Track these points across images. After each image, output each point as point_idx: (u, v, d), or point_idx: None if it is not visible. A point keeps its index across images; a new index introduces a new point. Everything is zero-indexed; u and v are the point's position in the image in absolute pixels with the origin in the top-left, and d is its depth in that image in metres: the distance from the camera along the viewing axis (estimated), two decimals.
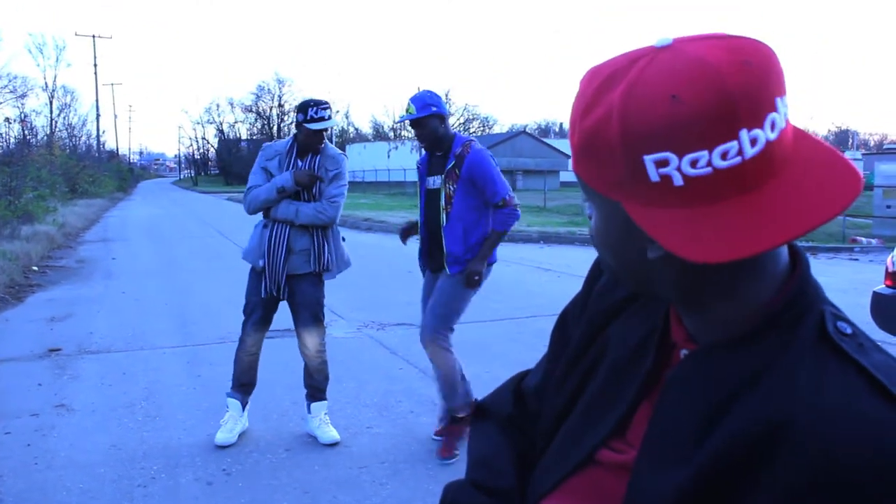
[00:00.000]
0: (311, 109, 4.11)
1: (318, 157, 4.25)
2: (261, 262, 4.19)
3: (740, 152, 0.64)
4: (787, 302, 0.72)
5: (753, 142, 0.64)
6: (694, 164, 0.64)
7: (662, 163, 0.65)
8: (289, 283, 4.23)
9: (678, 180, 0.65)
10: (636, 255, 0.73)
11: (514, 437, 1.02)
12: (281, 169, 4.21)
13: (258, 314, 4.29)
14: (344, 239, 4.46)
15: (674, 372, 0.78)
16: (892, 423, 0.63)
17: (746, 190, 0.66)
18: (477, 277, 4.04)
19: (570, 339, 0.97)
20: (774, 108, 0.65)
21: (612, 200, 0.71)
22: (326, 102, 4.22)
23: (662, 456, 0.73)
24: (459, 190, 4.04)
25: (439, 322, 4.10)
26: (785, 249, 0.75)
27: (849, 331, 0.71)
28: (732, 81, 0.64)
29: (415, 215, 4.60)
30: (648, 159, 0.66)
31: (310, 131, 4.14)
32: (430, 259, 4.22)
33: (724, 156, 0.64)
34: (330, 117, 4.18)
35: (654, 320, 0.85)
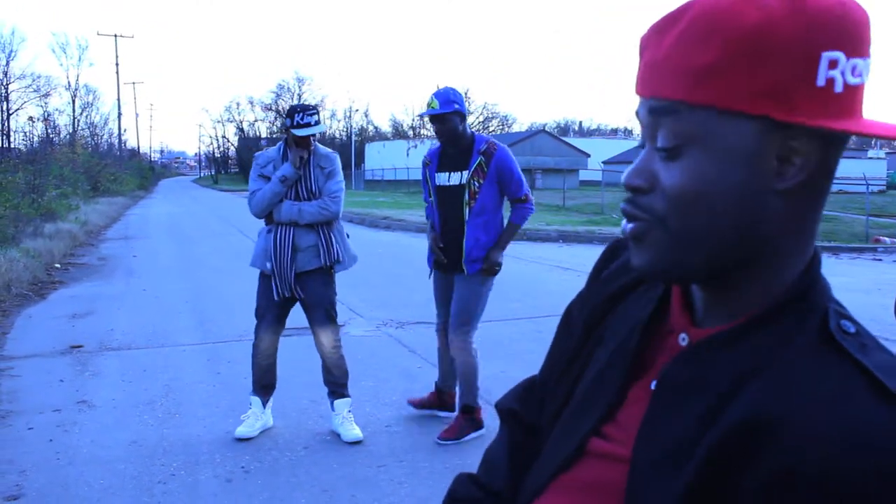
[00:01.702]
0: (297, 115, 4.17)
1: (311, 157, 4.30)
2: (268, 266, 4.22)
3: (863, 74, 0.66)
4: (796, 294, 0.71)
5: (865, 70, 0.66)
6: (854, 70, 0.64)
7: (833, 63, 0.64)
8: (299, 281, 4.25)
9: (839, 86, 0.64)
10: (753, 193, 0.68)
11: (517, 433, 1.03)
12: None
13: (270, 316, 4.32)
14: (348, 235, 4.51)
15: (668, 368, 0.76)
16: (888, 425, 0.61)
17: (859, 115, 0.67)
18: (498, 267, 4.18)
19: (573, 331, 0.97)
20: None
21: (745, 122, 0.66)
22: (314, 107, 4.29)
23: (659, 460, 0.72)
24: (485, 186, 4.13)
25: (465, 326, 4.22)
26: (812, 247, 0.73)
27: (852, 329, 0.69)
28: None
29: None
30: (826, 56, 0.64)
31: (297, 137, 4.20)
32: (446, 255, 4.26)
33: (860, 72, 0.65)
34: (317, 122, 4.22)
35: (652, 305, 0.84)
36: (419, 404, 4.67)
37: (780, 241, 0.70)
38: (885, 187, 34.58)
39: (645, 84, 0.72)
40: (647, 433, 0.74)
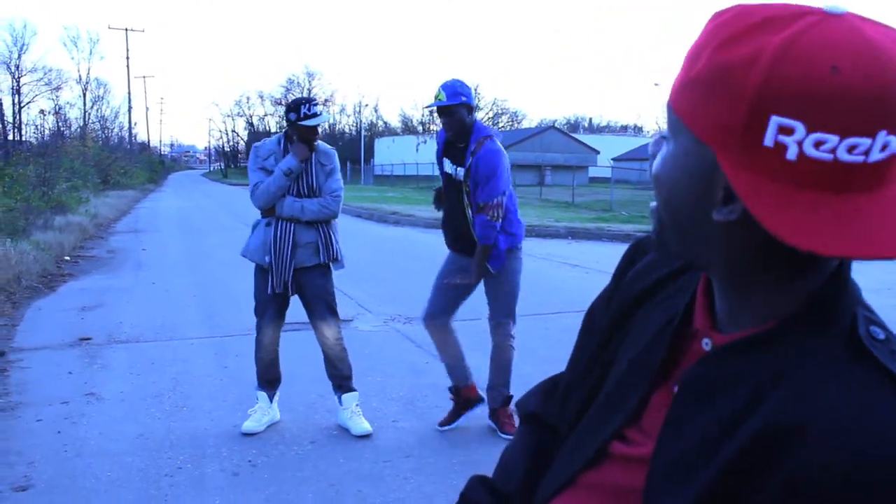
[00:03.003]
0: (303, 107, 4.15)
1: (313, 153, 4.28)
2: (267, 259, 4.21)
3: (867, 152, 0.60)
4: (822, 298, 0.69)
5: (884, 147, 0.60)
6: (818, 145, 0.60)
7: (787, 130, 0.60)
8: (297, 276, 4.25)
9: (792, 154, 0.61)
10: (701, 211, 0.69)
11: (536, 435, 1.02)
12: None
13: (271, 311, 4.32)
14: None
15: (690, 372, 0.75)
16: None
17: (848, 190, 0.61)
18: (475, 279, 4.20)
19: (596, 331, 0.96)
20: None
21: (705, 146, 0.66)
22: (314, 99, 4.30)
23: (678, 465, 0.71)
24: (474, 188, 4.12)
25: (507, 318, 4.31)
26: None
27: (881, 336, 0.67)
28: (893, 77, 0.59)
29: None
30: (775, 120, 0.61)
31: (305, 128, 4.17)
32: (448, 241, 4.37)
33: (851, 149, 0.60)
34: (321, 112, 4.23)
35: (676, 309, 0.83)
36: (448, 421, 4.40)
37: (763, 265, 0.69)
38: None
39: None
40: (668, 435, 0.73)
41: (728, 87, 0.63)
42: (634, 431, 0.79)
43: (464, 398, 4.41)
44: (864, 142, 0.59)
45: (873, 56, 0.59)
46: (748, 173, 0.63)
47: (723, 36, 0.65)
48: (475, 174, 4.05)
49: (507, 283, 4.26)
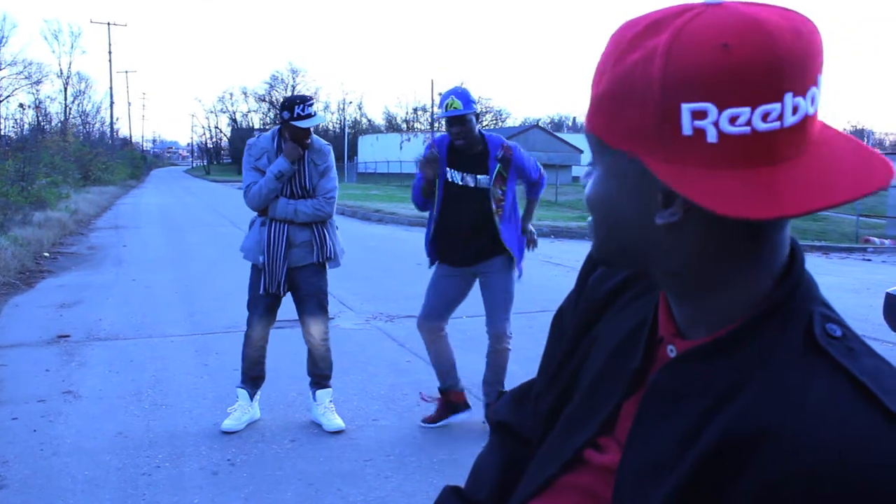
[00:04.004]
0: (297, 107, 4.09)
1: (307, 151, 4.24)
2: (261, 259, 4.18)
3: (780, 117, 0.61)
4: (778, 300, 0.69)
5: (795, 110, 0.62)
6: (733, 120, 0.61)
7: (700, 114, 0.62)
8: (291, 274, 4.23)
9: (712, 136, 0.62)
10: (640, 220, 0.69)
11: (507, 446, 1.02)
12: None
13: (262, 308, 4.29)
14: (337, 227, 4.50)
15: (654, 378, 0.74)
16: (874, 432, 0.59)
17: (776, 161, 0.63)
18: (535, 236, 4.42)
19: (565, 333, 0.95)
20: (816, 84, 0.64)
21: (626, 156, 0.67)
22: (311, 98, 4.24)
23: (645, 471, 0.70)
24: (508, 191, 4.19)
25: (509, 315, 4.31)
26: (786, 245, 0.71)
27: (838, 333, 0.67)
28: (783, 43, 0.61)
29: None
30: (686, 108, 0.62)
31: (297, 129, 4.12)
32: (454, 252, 4.23)
33: (764, 117, 0.61)
34: (316, 113, 4.17)
35: (645, 313, 0.82)
36: (433, 419, 4.39)
37: (714, 264, 0.69)
38: None
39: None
40: (635, 444, 0.73)
41: (633, 92, 0.64)
42: (607, 439, 0.79)
43: (453, 402, 4.39)
44: (775, 107, 0.61)
45: (757, 27, 0.61)
46: (677, 166, 0.63)
47: (615, 52, 0.67)
48: (518, 170, 4.23)
49: (513, 288, 4.30)
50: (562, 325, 0.98)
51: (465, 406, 4.40)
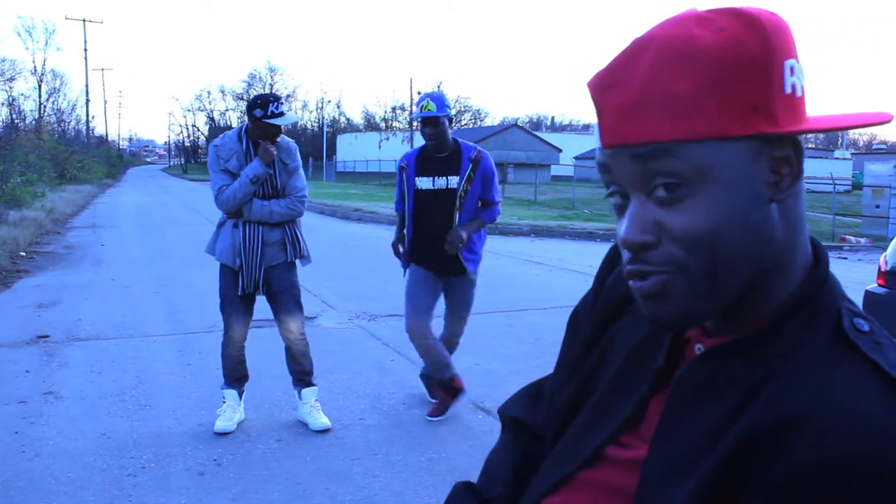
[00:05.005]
0: (271, 105, 4.08)
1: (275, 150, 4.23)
2: (238, 262, 4.17)
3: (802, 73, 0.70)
4: (805, 297, 0.70)
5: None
6: (801, 74, 0.68)
7: (792, 70, 0.67)
8: (264, 273, 4.23)
9: (799, 91, 0.68)
10: (759, 211, 0.68)
11: (521, 440, 1.02)
12: (241, 167, 4.15)
13: (240, 308, 4.27)
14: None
15: (682, 374, 0.75)
16: None
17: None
18: (461, 243, 4.26)
19: (580, 336, 0.96)
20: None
21: (741, 144, 0.66)
22: (281, 97, 4.27)
23: (672, 464, 0.71)
24: (471, 192, 4.29)
25: (467, 315, 4.57)
26: (808, 246, 0.73)
27: (866, 328, 0.69)
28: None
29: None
30: (787, 64, 0.67)
31: (272, 127, 4.11)
32: (432, 256, 4.31)
33: (802, 74, 0.69)
34: (287, 112, 4.19)
35: None
36: (440, 411, 4.46)
37: (783, 249, 0.70)
38: (850, 187, 35.14)
39: (620, 131, 0.68)
40: (662, 437, 0.74)
41: (744, 63, 0.65)
42: (631, 437, 0.80)
43: (454, 388, 4.46)
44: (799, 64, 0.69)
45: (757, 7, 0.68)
46: (790, 126, 0.67)
47: (672, 48, 0.66)
48: (484, 175, 4.31)
49: (474, 286, 4.47)
50: (577, 325, 0.99)
51: (462, 389, 4.49)
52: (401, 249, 4.49)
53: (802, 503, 0.61)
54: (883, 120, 0.67)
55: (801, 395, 0.65)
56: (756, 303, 0.71)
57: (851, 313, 0.70)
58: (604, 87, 0.69)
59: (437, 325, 4.51)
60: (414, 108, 4.42)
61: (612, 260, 0.96)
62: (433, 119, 4.17)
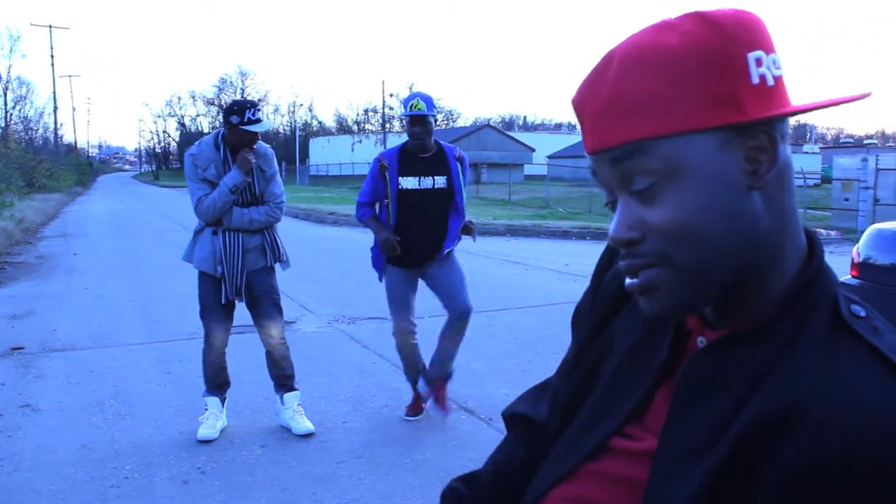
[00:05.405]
0: (248, 111, 4.07)
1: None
2: (220, 269, 4.15)
3: (780, 66, 0.72)
4: (803, 286, 0.72)
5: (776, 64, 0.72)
6: (775, 64, 0.70)
7: (759, 62, 0.69)
8: (245, 278, 4.22)
9: (770, 80, 0.70)
10: (739, 201, 0.70)
11: (528, 436, 1.04)
12: (219, 175, 4.14)
13: (221, 315, 4.25)
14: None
15: (686, 368, 0.77)
16: None
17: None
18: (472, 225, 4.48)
19: (584, 330, 0.97)
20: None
21: (710, 136, 0.69)
22: (257, 103, 4.28)
23: (680, 459, 0.72)
24: (460, 190, 4.37)
25: (468, 297, 4.41)
26: (803, 237, 0.75)
27: (863, 313, 0.71)
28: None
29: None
30: (751, 56, 0.69)
31: (249, 134, 4.09)
32: (414, 254, 4.32)
33: (779, 65, 0.71)
34: (264, 119, 4.19)
35: None
36: (445, 406, 4.51)
37: (773, 238, 0.72)
38: (819, 181, 35.62)
39: (597, 137, 0.73)
40: (670, 430, 0.75)
41: (706, 61, 0.69)
42: (636, 428, 0.81)
43: (417, 405, 4.55)
44: (778, 57, 0.72)
45: (726, 7, 0.72)
46: (758, 114, 0.69)
47: (640, 53, 0.70)
48: (465, 177, 4.40)
49: (456, 261, 4.43)
50: (580, 323, 1.00)
51: (421, 411, 4.56)
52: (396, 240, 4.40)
53: (807, 495, 0.62)
54: (861, 96, 0.70)
55: (802, 386, 0.66)
56: (753, 293, 0.73)
57: (848, 300, 0.72)
58: (581, 99, 0.75)
59: (437, 325, 4.52)
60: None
61: (609, 256, 0.98)
62: (422, 118, 4.22)
